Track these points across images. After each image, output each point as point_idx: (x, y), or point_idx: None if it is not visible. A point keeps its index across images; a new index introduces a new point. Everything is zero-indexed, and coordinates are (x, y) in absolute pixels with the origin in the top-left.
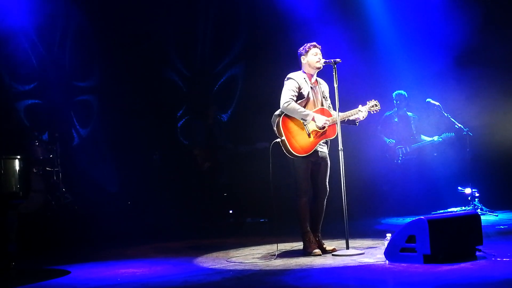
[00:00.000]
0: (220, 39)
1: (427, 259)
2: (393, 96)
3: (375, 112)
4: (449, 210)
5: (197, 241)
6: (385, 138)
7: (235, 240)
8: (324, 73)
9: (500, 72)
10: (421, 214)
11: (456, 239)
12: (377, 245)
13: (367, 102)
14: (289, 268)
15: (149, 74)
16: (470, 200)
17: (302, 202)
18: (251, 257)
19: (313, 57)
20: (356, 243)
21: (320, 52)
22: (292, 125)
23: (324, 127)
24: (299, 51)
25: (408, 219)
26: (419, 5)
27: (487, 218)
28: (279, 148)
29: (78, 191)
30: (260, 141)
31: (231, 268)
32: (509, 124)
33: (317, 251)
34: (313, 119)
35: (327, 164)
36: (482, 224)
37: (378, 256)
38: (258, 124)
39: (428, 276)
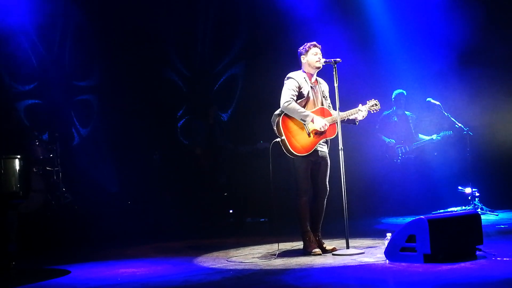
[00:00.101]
0: (220, 39)
1: (427, 259)
2: (393, 95)
3: (375, 111)
4: (449, 209)
5: (197, 240)
6: (385, 138)
7: (235, 239)
8: (324, 73)
9: (501, 72)
10: (421, 213)
11: (456, 239)
12: (377, 245)
13: (367, 101)
14: (289, 267)
15: (149, 74)
16: (470, 200)
17: (302, 201)
18: (251, 257)
19: (313, 56)
20: (356, 243)
21: (320, 51)
22: (292, 125)
23: (323, 130)
24: (299, 50)
25: (408, 219)
26: (420, 4)
27: (487, 217)
28: (279, 148)
29: (78, 190)
30: (261, 141)
31: (231, 267)
32: (510, 124)
33: (317, 250)
34: (312, 121)
35: (327, 163)
36: (482, 224)
37: (378, 255)
38: (259, 124)
39: (428, 275)
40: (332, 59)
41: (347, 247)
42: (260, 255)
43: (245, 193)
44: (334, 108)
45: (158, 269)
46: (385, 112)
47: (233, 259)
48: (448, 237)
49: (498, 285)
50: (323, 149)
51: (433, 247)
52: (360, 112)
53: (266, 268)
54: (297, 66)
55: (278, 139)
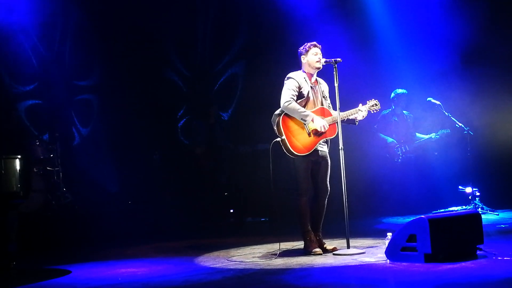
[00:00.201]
0: (220, 38)
1: (428, 258)
2: (392, 94)
3: (375, 111)
4: (450, 209)
5: (197, 240)
6: (387, 137)
7: (235, 239)
8: (324, 73)
9: (503, 72)
10: (422, 213)
11: (456, 238)
12: (377, 244)
13: (367, 101)
14: (290, 267)
15: (149, 74)
16: (470, 199)
17: (303, 201)
18: (251, 256)
19: (313, 56)
20: (357, 243)
21: (320, 51)
22: (292, 124)
23: (323, 130)
24: (299, 50)
25: (409, 218)
26: (421, 3)
27: (488, 217)
28: (279, 148)
29: (78, 190)
30: (261, 142)
31: (231, 267)
32: (510, 123)
33: (318, 250)
34: (312, 120)
35: (327, 163)
36: (483, 223)
37: (379, 255)
38: (259, 123)
39: (429, 275)
40: (333, 59)
41: (348, 246)
42: (260, 254)
43: (245, 193)
44: (334, 108)
45: (159, 269)
46: (384, 112)
47: (234, 258)
48: (448, 237)
49: (499, 285)
50: (323, 148)
51: (434, 247)
52: (360, 112)
53: (266, 267)
54: (297, 66)
55: (278, 139)
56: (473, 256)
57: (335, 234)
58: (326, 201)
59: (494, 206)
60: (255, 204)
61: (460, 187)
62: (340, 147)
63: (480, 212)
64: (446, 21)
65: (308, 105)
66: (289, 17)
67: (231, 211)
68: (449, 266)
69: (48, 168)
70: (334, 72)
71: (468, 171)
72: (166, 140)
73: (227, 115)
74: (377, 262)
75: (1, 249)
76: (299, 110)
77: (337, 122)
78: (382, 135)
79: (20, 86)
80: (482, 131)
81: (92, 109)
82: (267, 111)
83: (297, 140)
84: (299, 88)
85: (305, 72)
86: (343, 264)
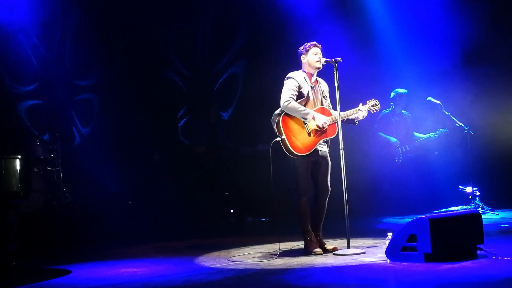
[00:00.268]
0: (220, 38)
1: (428, 258)
2: (392, 94)
3: (375, 111)
4: (450, 209)
5: (198, 240)
6: (389, 137)
7: (236, 239)
8: (324, 72)
9: (504, 71)
10: (422, 213)
11: (457, 238)
12: (378, 244)
13: (367, 101)
14: (290, 267)
15: (149, 74)
16: (471, 199)
17: (303, 201)
18: (252, 256)
19: (313, 56)
20: (357, 242)
21: (320, 51)
22: (292, 124)
23: (323, 127)
24: (299, 50)
25: (409, 218)
26: (421, 3)
27: (488, 216)
28: (279, 147)
29: (78, 190)
30: (261, 142)
31: (232, 267)
32: (511, 123)
33: (318, 250)
34: (313, 118)
35: (327, 163)
36: (483, 223)
37: (379, 255)
38: (259, 122)
39: (429, 275)
40: (333, 59)
41: (348, 246)
42: (261, 254)
43: (245, 193)
44: (334, 109)
45: (159, 268)
46: (384, 111)
47: (234, 258)
48: (449, 237)
49: (499, 284)
50: (323, 148)
51: (434, 247)
52: (360, 112)
53: (267, 267)
54: (297, 65)
55: (278, 139)
56: (474, 256)
57: (335, 234)
58: (326, 201)
59: (494, 205)
60: (256, 204)
61: (460, 186)
62: (340, 147)
63: (481, 212)
64: (447, 20)
65: (308, 105)
66: (289, 17)
67: (232, 211)
68: (449, 266)
69: (48, 168)
70: (334, 72)
71: (469, 170)
72: (167, 140)
73: (227, 115)
74: (378, 262)
75: (2, 249)
76: (299, 109)
77: (337, 122)
78: (385, 135)
79: (20, 86)
80: (482, 130)
81: (93, 109)
82: (267, 110)
83: (297, 140)
84: (299, 88)
85: (305, 72)
86: (344, 264)
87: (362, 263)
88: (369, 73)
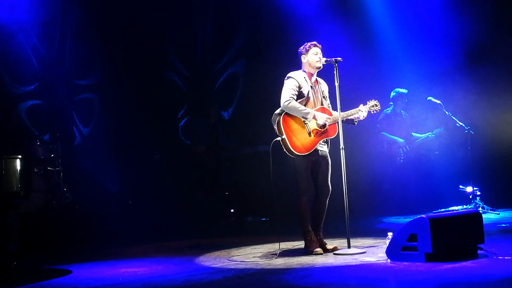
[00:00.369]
0: (220, 37)
1: (429, 258)
2: (392, 94)
3: (375, 112)
4: (451, 208)
5: (198, 240)
6: (396, 138)
7: (236, 239)
8: (324, 72)
9: (505, 71)
10: (422, 212)
11: (457, 238)
12: (378, 244)
13: (368, 101)
14: (290, 267)
15: (149, 74)
16: (471, 199)
17: (303, 201)
18: (252, 256)
19: (313, 56)
20: (358, 242)
21: (320, 51)
22: (292, 124)
23: (324, 125)
24: (299, 50)
25: (409, 218)
26: (421, 2)
27: (489, 216)
28: (280, 147)
29: (79, 190)
30: (262, 143)
31: (232, 267)
32: (511, 123)
33: (319, 250)
34: (314, 117)
35: (328, 163)
36: (484, 223)
37: (379, 255)
38: (260, 122)
39: (430, 274)
40: (333, 58)
41: (349, 246)
42: (261, 254)
43: (246, 193)
44: (334, 109)
45: (159, 268)
46: (386, 111)
47: (234, 258)
48: (449, 236)
49: (499, 284)
50: (324, 148)
51: (434, 246)
52: (360, 112)
53: (267, 267)
54: (298, 65)
55: (278, 138)
56: (474, 256)
57: (335, 233)
58: (327, 201)
59: (494, 205)
60: (256, 204)
61: (460, 186)
62: (341, 147)
63: (481, 212)
64: (449, 20)
65: (308, 105)
66: (289, 17)
67: (232, 211)
68: (450, 266)
69: (48, 168)
70: (335, 72)
71: (469, 170)
72: (167, 140)
73: (228, 115)
74: (378, 262)
75: (2, 249)
76: (300, 108)
77: (337, 122)
78: (390, 136)
79: (21, 86)
80: (483, 130)
81: (93, 109)
82: (268, 109)
83: (298, 140)
84: (299, 87)
85: (305, 71)
86: (344, 264)
87: (363, 263)
88: (369, 73)
